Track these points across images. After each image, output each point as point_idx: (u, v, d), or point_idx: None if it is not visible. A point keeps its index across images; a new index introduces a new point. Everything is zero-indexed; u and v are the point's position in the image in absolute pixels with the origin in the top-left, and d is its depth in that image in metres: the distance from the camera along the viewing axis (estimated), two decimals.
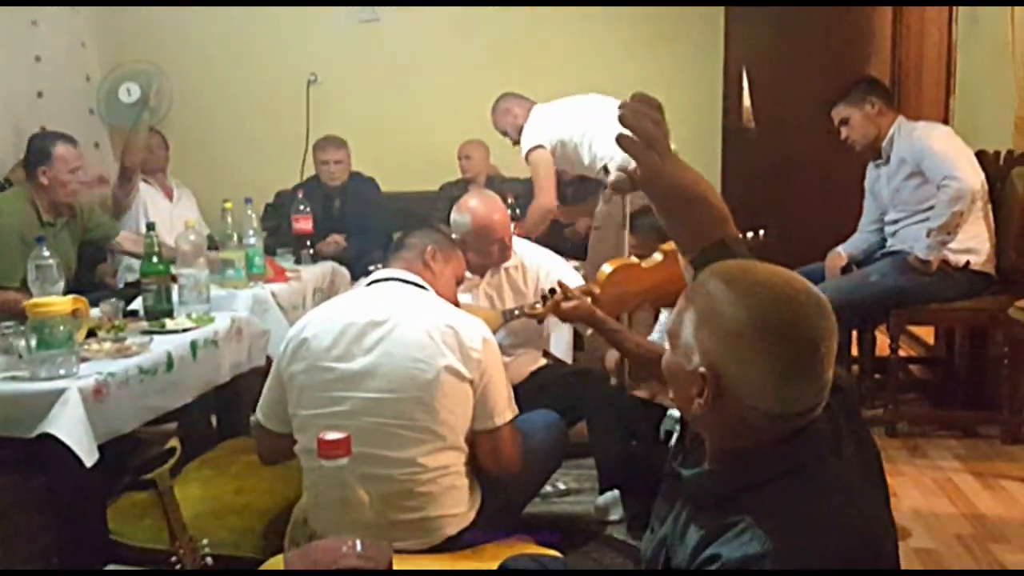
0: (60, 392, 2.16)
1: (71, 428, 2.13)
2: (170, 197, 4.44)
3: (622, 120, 1.20)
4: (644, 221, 2.99)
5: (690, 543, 1.16)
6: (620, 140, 1.21)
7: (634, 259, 2.68)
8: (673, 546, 1.23)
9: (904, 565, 2.51)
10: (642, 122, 1.21)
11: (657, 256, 2.59)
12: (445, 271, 2.34)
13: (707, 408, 1.13)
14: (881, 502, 1.21)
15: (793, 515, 1.07)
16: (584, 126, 3.91)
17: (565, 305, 2.52)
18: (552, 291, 2.57)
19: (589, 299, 2.52)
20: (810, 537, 1.05)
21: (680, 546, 1.20)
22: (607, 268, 2.64)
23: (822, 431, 1.15)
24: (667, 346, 1.23)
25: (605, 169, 3.82)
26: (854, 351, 4.03)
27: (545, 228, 4.10)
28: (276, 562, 1.99)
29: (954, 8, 4.38)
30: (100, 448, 2.21)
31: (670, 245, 2.68)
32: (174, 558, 2.17)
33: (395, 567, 1.03)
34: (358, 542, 0.97)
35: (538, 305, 2.59)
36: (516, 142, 4.18)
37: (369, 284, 2.27)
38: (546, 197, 3.99)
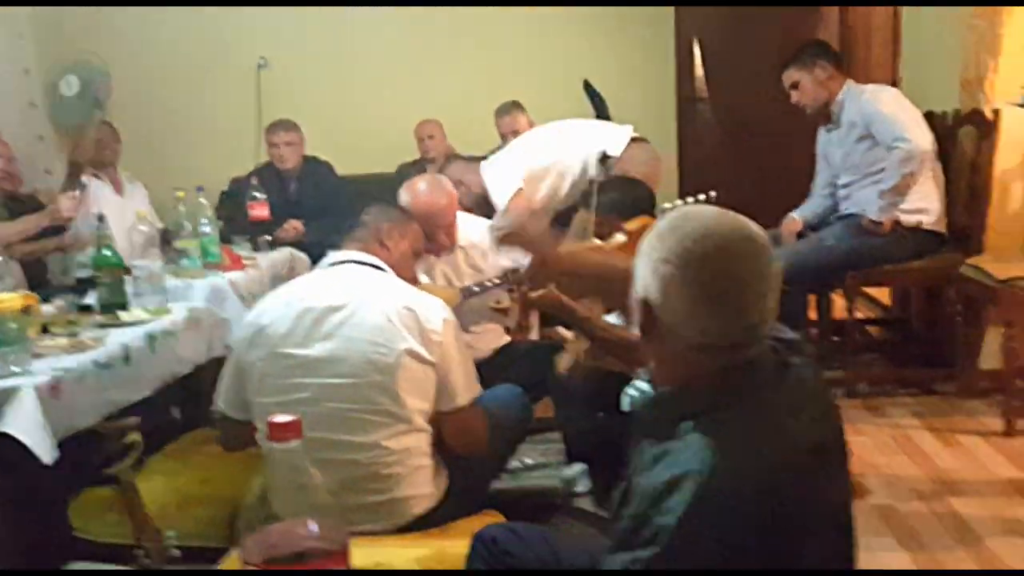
0: (14, 391, 2.12)
1: (27, 427, 2.09)
2: (120, 191, 4.36)
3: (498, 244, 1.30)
4: (606, 198, 2.98)
5: (641, 473, 1.21)
6: (503, 241, 1.30)
7: (597, 242, 2.68)
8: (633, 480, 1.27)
9: (863, 522, 2.55)
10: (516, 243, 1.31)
11: (620, 237, 2.59)
12: (402, 246, 2.32)
13: (645, 334, 1.22)
14: (821, 445, 1.22)
15: (719, 441, 1.12)
16: (547, 147, 3.88)
17: (531, 295, 2.52)
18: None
19: (553, 285, 2.53)
20: (733, 461, 1.10)
21: (635, 479, 1.23)
22: None
23: (760, 372, 1.20)
24: None
25: (604, 157, 3.71)
26: (812, 315, 4.09)
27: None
28: None
29: None
30: (60, 445, 2.17)
31: (633, 224, 2.69)
32: (140, 551, 2.17)
33: (363, 549, 1.04)
34: (315, 524, 0.97)
35: (504, 300, 2.59)
36: (469, 210, 3.84)
37: (325, 267, 2.26)
38: None
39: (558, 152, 3.85)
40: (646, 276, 1.20)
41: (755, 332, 1.18)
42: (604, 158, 3.69)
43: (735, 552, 1.08)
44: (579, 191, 3.90)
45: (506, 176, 3.83)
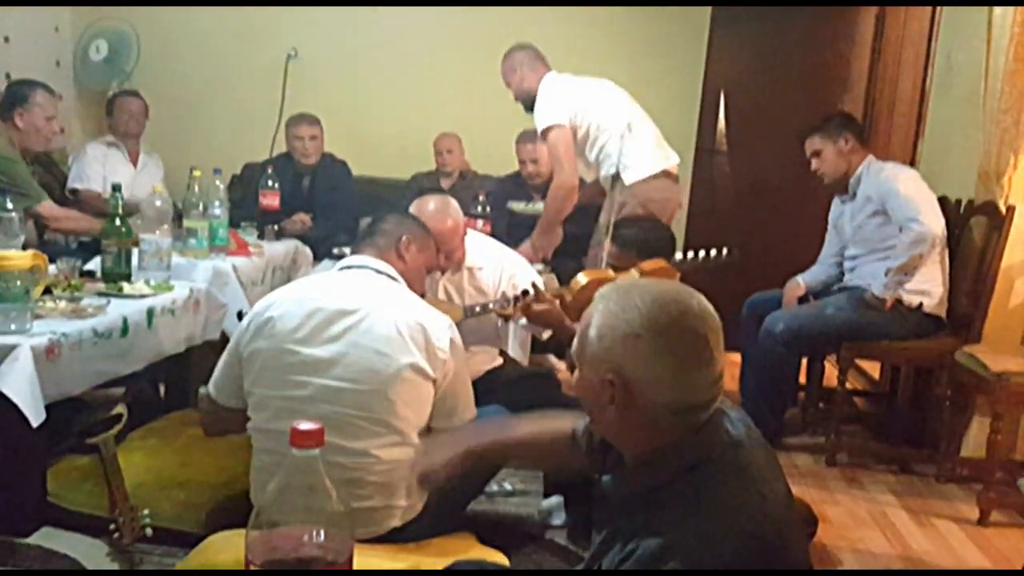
0: (11, 348, 2.12)
1: (20, 386, 2.08)
2: (135, 163, 4.37)
3: None
4: (626, 232, 3.00)
5: (616, 546, 1.23)
6: None
7: (611, 272, 2.70)
8: (602, 555, 1.27)
9: None
10: None
11: (634, 273, 2.62)
12: (418, 260, 2.33)
13: (619, 413, 1.23)
14: (783, 488, 1.29)
15: (700, 502, 1.17)
16: (599, 117, 3.78)
17: (536, 307, 2.55)
18: (525, 292, 2.59)
19: (558, 303, 2.56)
20: (715, 520, 1.14)
21: (608, 554, 1.25)
22: (582, 279, 2.68)
23: (721, 427, 1.26)
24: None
25: (615, 177, 3.70)
26: (802, 379, 4.10)
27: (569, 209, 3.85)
28: (219, 539, 1.97)
29: (930, 54, 4.48)
30: (46, 408, 2.17)
31: (651, 264, 2.71)
32: (112, 526, 2.15)
33: None
34: (321, 532, 0.97)
35: (508, 305, 2.61)
36: (516, 99, 3.98)
37: (340, 270, 2.26)
38: (567, 174, 3.76)
39: (608, 124, 3.77)
40: (615, 355, 1.23)
41: (718, 385, 1.25)
42: (618, 175, 3.70)
43: None
44: (584, 167, 3.94)
45: (557, 104, 3.79)
